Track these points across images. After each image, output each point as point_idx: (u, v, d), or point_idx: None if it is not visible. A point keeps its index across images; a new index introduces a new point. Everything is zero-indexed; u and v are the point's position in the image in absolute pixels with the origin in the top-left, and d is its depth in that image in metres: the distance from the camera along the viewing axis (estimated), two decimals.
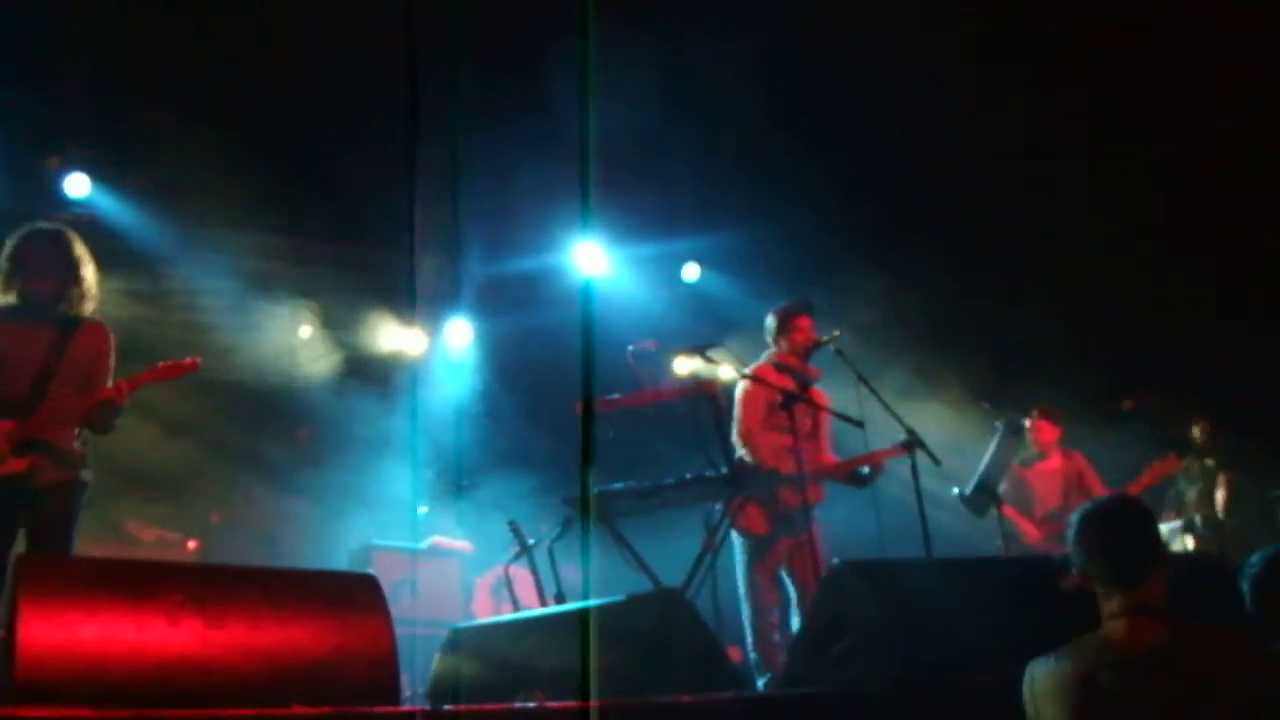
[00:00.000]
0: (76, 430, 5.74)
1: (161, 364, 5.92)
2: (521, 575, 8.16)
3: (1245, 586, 4.09)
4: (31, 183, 9.27)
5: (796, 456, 6.97)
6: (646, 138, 9.98)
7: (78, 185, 9.33)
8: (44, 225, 6.04)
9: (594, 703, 4.19)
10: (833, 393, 7.59)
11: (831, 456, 7.53)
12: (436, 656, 5.36)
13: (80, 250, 5.91)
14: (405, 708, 4.72)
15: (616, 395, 6.83)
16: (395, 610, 4.53)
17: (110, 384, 5.80)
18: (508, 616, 7.78)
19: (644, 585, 6.16)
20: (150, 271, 9.51)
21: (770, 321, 7.65)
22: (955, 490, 8.33)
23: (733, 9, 9.76)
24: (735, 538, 7.14)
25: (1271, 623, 3.94)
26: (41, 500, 5.58)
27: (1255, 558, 4.12)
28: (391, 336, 10.78)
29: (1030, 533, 8.80)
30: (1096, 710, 3.22)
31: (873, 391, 7.12)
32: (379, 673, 4.23)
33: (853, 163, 10.19)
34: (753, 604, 7.13)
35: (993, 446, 8.25)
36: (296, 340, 10.36)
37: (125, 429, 6.03)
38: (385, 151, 9.84)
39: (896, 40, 9.41)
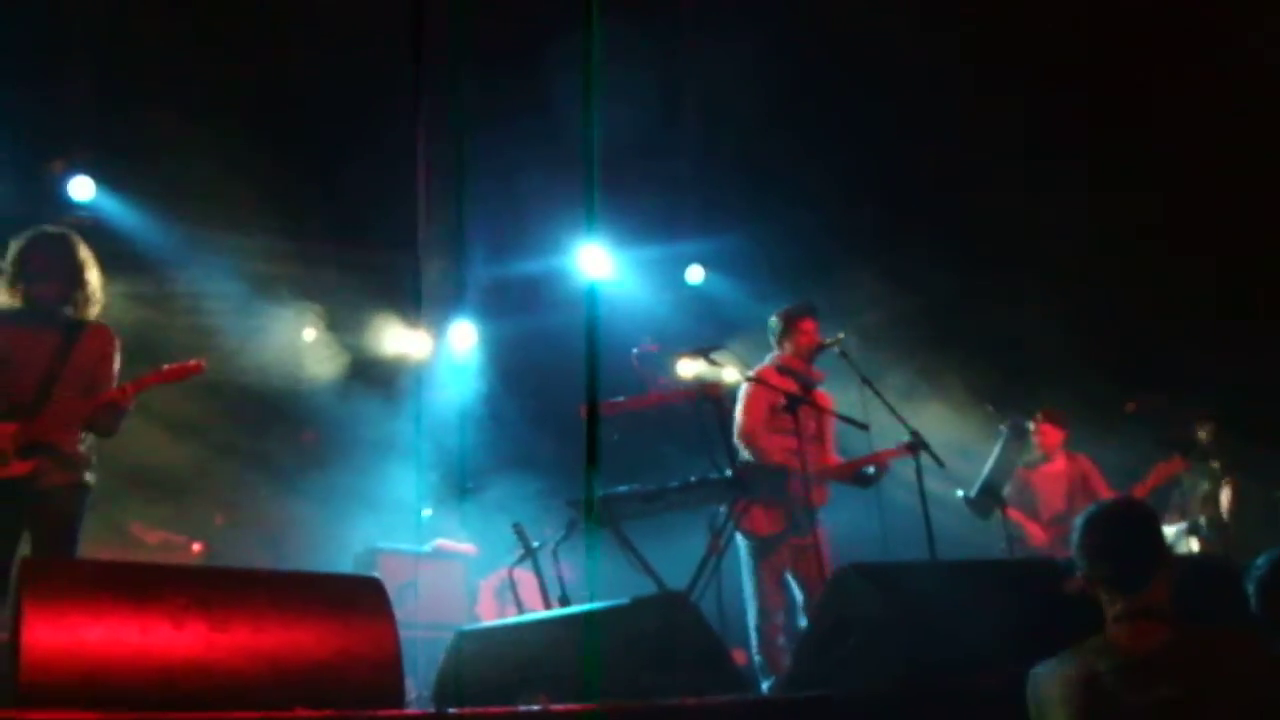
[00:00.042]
0: (81, 433, 5.74)
1: (166, 366, 5.92)
2: (525, 578, 8.16)
3: (1250, 588, 4.09)
4: (36, 186, 9.29)
5: (801, 459, 6.97)
6: (650, 140, 10.00)
7: (82, 188, 9.34)
8: (49, 229, 6.05)
9: (598, 705, 4.19)
10: (836, 395, 7.59)
11: (836, 458, 7.53)
12: (440, 659, 5.36)
13: (85, 254, 5.91)
14: (409, 711, 4.72)
15: (621, 398, 6.84)
16: (399, 613, 4.53)
17: (115, 387, 5.81)
18: (512, 619, 7.78)
19: (648, 588, 6.16)
20: (155, 274, 9.52)
21: (774, 323, 7.65)
22: (960, 493, 8.33)
23: (734, 11, 9.78)
24: (740, 539, 7.13)
25: (1277, 625, 3.94)
26: (46, 503, 5.59)
27: (1261, 560, 4.11)
28: (396, 339, 10.79)
29: (1036, 535, 8.80)
30: (1100, 713, 3.22)
31: (877, 394, 7.12)
32: (383, 676, 4.22)
33: (854, 163, 10.20)
34: (757, 606, 7.13)
35: (997, 449, 8.25)
36: (301, 343, 10.36)
37: (130, 432, 6.03)
38: (390, 155, 9.89)
39: (896, 40, 9.43)
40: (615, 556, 6.43)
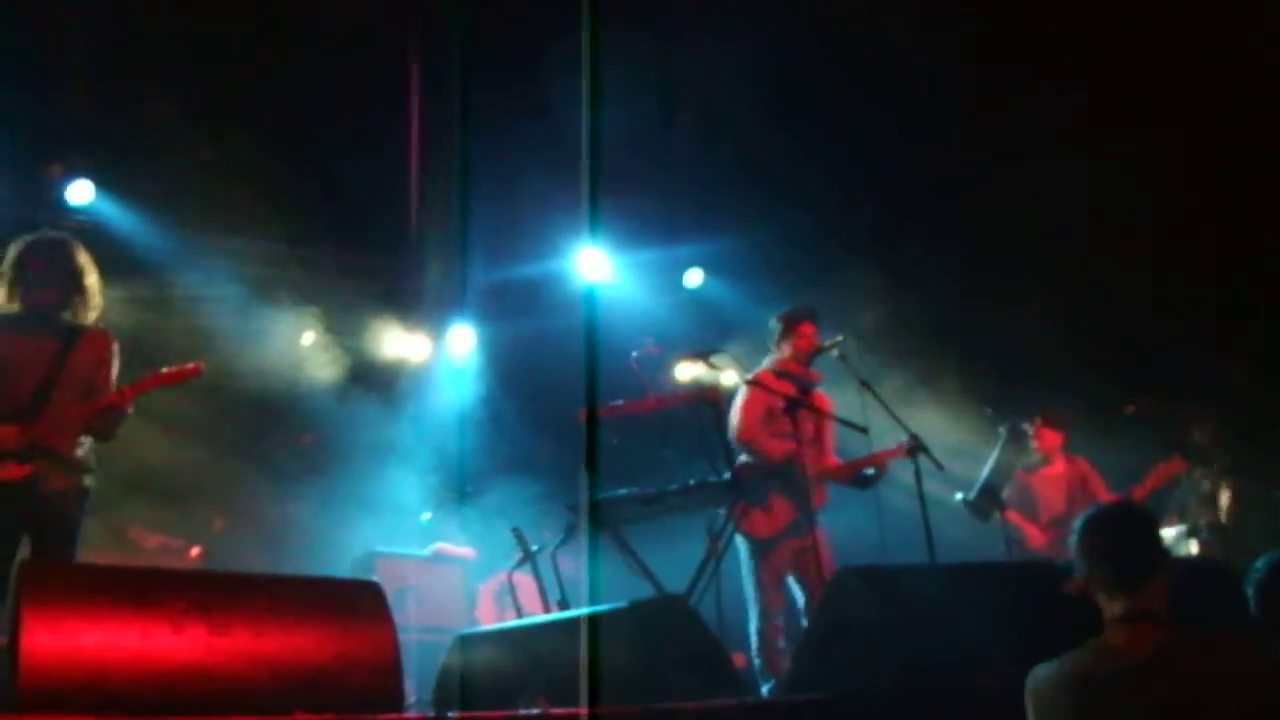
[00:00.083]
0: (80, 438, 5.74)
1: (165, 370, 5.92)
2: (525, 582, 8.17)
3: (1250, 591, 4.09)
4: (34, 190, 9.28)
5: (800, 461, 6.98)
6: (648, 143, 9.99)
7: (80, 192, 9.33)
8: (47, 234, 6.05)
9: (598, 709, 4.19)
10: (835, 397, 7.59)
11: (835, 460, 7.53)
12: (440, 663, 5.36)
13: (83, 260, 5.91)
14: (408, 715, 4.72)
15: (620, 401, 6.84)
16: (399, 617, 4.54)
17: (113, 391, 5.81)
18: (511, 623, 7.78)
19: (647, 591, 6.16)
20: (153, 278, 9.50)
21: (774, 325, 7.65)
22: (959, 495, 8.33)
23: (731, 13, 9.78)
24: (739, 541, 7.14)
25: (1275, 628, 3.94)
26: (44, 507, 5.59)
27: (1260, 562, 4.11)
28: (395, 342, 10.78)
29: (1035, 537, 8.80)
30: (1098, 717, 3.22)
31: (876, 397, 7.12)
32: (383, 680, 4.23)
33: (853, 165, 10.20)
34: (758, 609, 7.13)
35: (995, 452, 8.27)
36: (300, 346, 10.35)
37: (129, 435, 6.03)
38: (388, 158, 9.89)
39: (895, 41, 9.42)
40: (614, 560, 6.43)
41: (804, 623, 7.07)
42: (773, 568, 7.13)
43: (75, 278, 5.85)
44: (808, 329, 7.53)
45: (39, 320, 5.77)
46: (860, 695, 4.77)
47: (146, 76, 9.28)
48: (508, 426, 10.49)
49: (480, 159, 9.64)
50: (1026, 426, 8.80)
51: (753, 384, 7.30)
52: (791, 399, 7.10)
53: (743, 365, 7.45)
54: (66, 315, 5.82)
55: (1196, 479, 9.16)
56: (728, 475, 6.65)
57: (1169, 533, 8.93)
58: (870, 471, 7.33)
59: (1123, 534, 3.39)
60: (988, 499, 8.30)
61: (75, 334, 5.80)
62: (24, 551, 5.56)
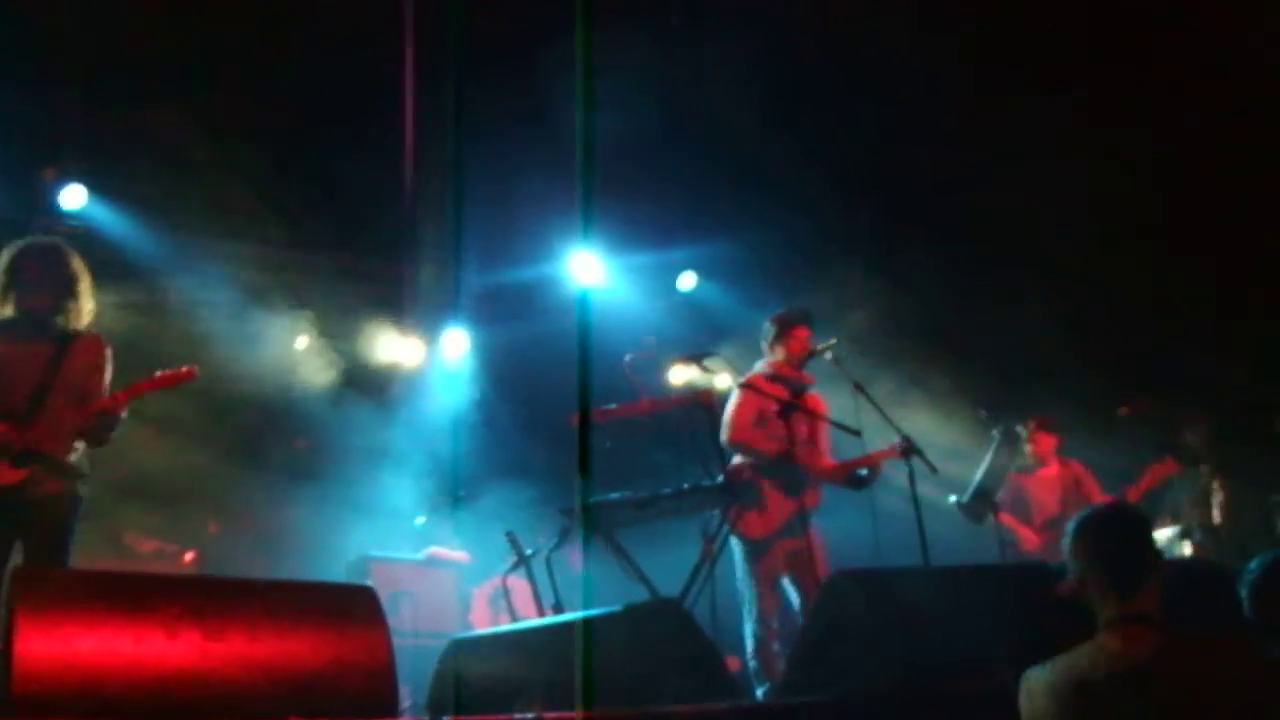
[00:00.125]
0: (74, 443, 5.74)
1: (159, 373, 5.93)
2: (519, 586, 8.17)
3: (1244, 593, 4.10)
4: (27, 195, 9.27)
5: (794, 458, 6.99)
6: (642, 146, 9.98)
7: (74, 197, 9.32)
8: (40, 240, 6.05)
9: (592, 713, 4.18)
10: (829, 400, 7.60)
11: (830, 461, 7.53)
12: (434, 668, 5.35)
13: (76, 265, 5.92)
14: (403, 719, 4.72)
15: (613, 405, 6.84)
16: (393, 621, 4.53)
17: (107, 396, 5.81)
18: (506, 627, 7.77)
19: (642, 595, 6.16)
20: (147, 283, 9.50)
21: (768, 328, 7.65)
22: (953, 498, 8.34)
23: (726, 16, 9.78)
24: (733, 542, 7.14)
25: (1270, 629, 3.95)
26: (37, 512, 5.58)
27: (1254, 564, 4.12)
28: (389, 346, 10.77)
29: (1029, 539, 8.81)
30: (1093, 719, 3.22)
31: (869, 400, 7.12)
32: (377, 684, 4.22)
33: (846, 167, 10.20)
34: (752, 611, 7.13)
35: (989, 455, 8.28)
36: (294, 350, 10.35)
37: (123, 440, 6.02)
38: (382, 162, 9.89)
39: (891, 42, 9.42)
40: (609, 564, 6.42)
41: (800, 621, 7.08)
42: (767, 569, 7.13)
43: (69, 283, 5.85)
44: (802, 332, 7.53)
45: (33, 326, 5.77)
46: (855, 698, 4.77)
47: (140, 81, 9.26)
48: (501, 430, 10.49)
49: (474, 162, 9.63)
50: (1020, 429, 8.81)
51: (745, 387, 7.31)
52: (785, 402, 7.11)
53: (736, 368, 7.46)
54: (60, 320, 5.82)
55: (1188, 480, 9.18)
56: (721, 479, 6.65)
57: (1163, 534, 8.95)
58: (864, 472, 7.34)
59: (1116, 536, 3.39)
60: (981, 501, 8.31)
61: (69, 339, 5.80)
62: (17, 557, 5.55)
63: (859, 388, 7.15)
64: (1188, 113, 9.16)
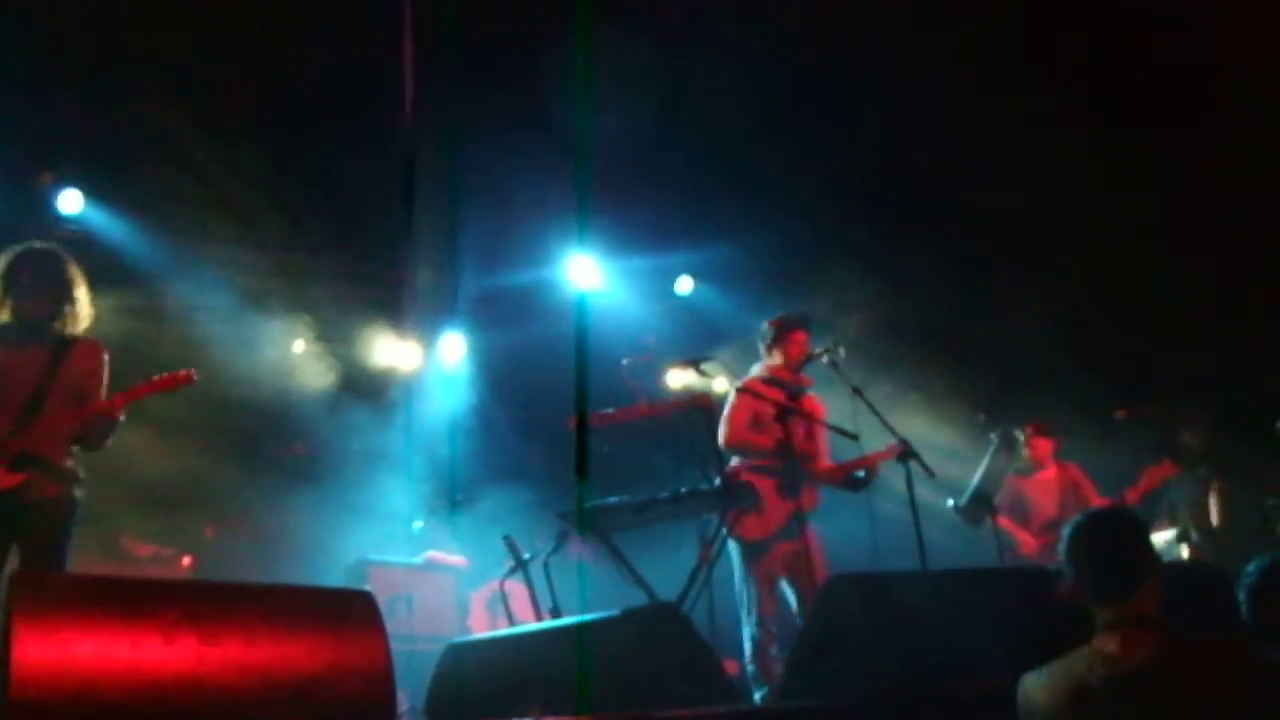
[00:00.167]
0: (71, 447, 5.74)
1: (156, 377, 5.94)
2: (517, 590, 8.16)
3: (1241, 595, 4.10)
4: (24, 199, 9.27)
5: (792, 455, 7.00)
6: (640, 151, 9.99)
7: (71, 202, 9.33)
8: (37, 245, 6.04)
9: (590, 717, 4.18)
10: (827, 403, 7.60)
11: (828, 463, 7.53)
12: (432, 672, 5.35)
13: (73, 271, 5.92)
14: None
15: (611, 409, 6.83)
16: (391, 625, 4.52)
17: (104, 399, 5.81)
18: (503, 631, 7.77)
19: (639, 599, 6.15)
20: (144, 287, 9.51)
21: (766, 330, 7.64)
22: (950, 502, 8.34)
23: (722, 20, 9.78)
24: (731, 545, 7.13)
25: (1267, 632, 3.95)
26: (34, 516, 5.58)
27: (1251, 567, 4.13)
28: (386, 350, 10.78)
29: (1027, 543, 8.82)
30: None
31: (867, 404, 7.12)
32: (375, 689, 4.21)
33: (843, 170, 10.20)
34: (751, 614, 7.12)
35: (987, 458, 8.27)
36: (291, 354, 10.35)
37: (120, 445, 6.03)
38: (380, 166, 9.89)
39: (888, 44, 9.42)
40: (607, 568, 6.42)
41: (799, 623, 7.07)
42: (765, 571, 7.12)
43: (66, 288, 5.86)
44: (799, 336, 7.53)
45: (30, 331, 5.77)
46: (853, 703, 4.77)
47: (138, 85, 9.26)
48: (499, 434, 10.50)
49: (472, 166, 9.64)
50: (1018, 433, 8.81)
51: (742, 391, 7.31)
52: (782, 406, 7.11)
53: (733, 372, 7.45)
54: (58, 325, 5.83)
55: (1184, 483, 9.18)
56: (718, 482, 6.65)
57: (1160, 537, 8.95)
58: (861, 474, 7.33)
59: (1112, 540, 3.39)
60: (979, 505, 8.31)
61: (66, 344, 5.81)
62: (13, 562, 5.55)
63: (857, 391, 7.14)
64: (1188, 113, 9.16)
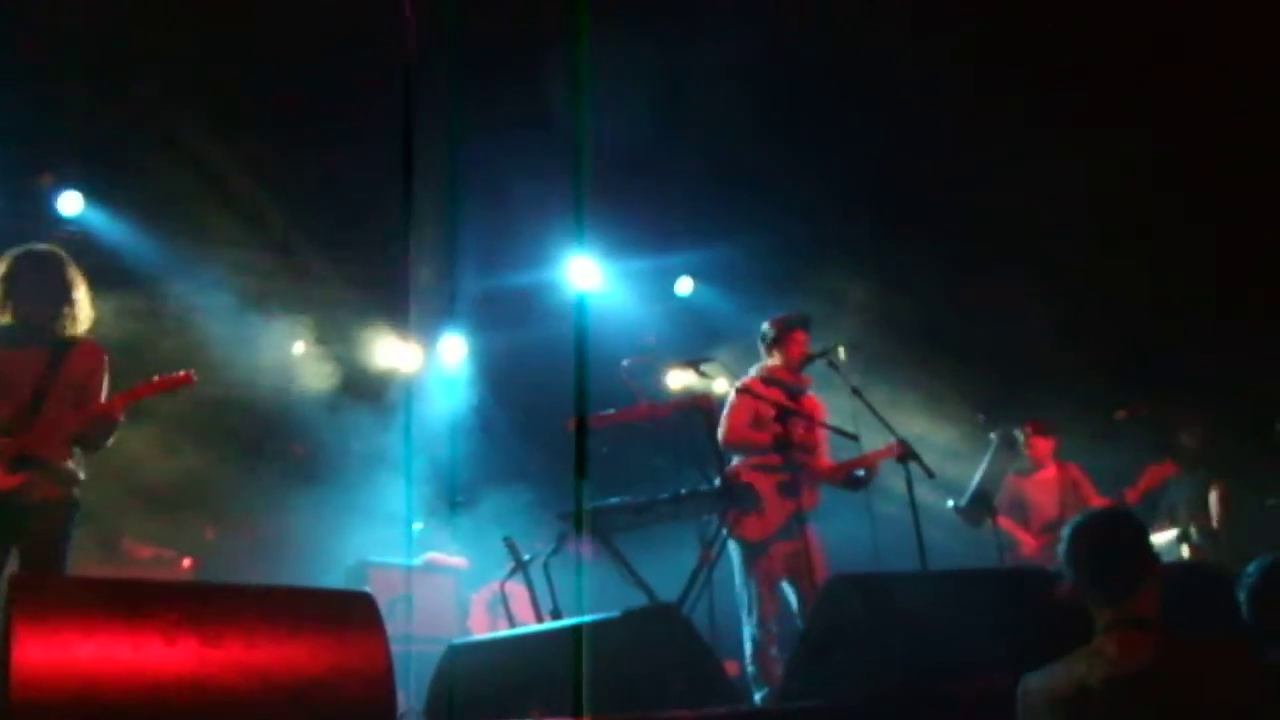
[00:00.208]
0: (71, 449, 5.75)
1: (156, 378, 5.94)
2: (517, 591, 8.16)
3: (1242, 596, 4.10)
4: (24, 201, 9.27)
5: (791, 454, 7.00)
6: (640, 151, 9.99)
7: (70, 203, 9.33)
8: (37, 248, 6.04)
9: (590, 718, 4.18)
10: (828, 403, 7.60)
11: (828, 462, 7.53)
12: (432, 673, 5.35)
13: (73, 273, 5.93)
14: None
15: (611, 410, 6.83)
16: (391, 627, 4.53)
17: (104, 401, 5.81)
18: (504, 633, 7.77)
19: (640, 600, 6.16)
20: (144, 289, 9.51)
21: (767, 330, 7.64)
22: (950, 502, 8.34)
23: (723, 21, 9.77)
24: (732, 547, 7.14)
25: (1268, 632, 3.95)
26: (34, 518, 5.58)
27: (1252, 567, 4.13)
28: (386, 351, 10.77)
29: (1027, 542, 8.82)
30: None
31: (867, 404, 7.12)
32: (375, 690, 4.21)
33: (845, 170, 10.20)
34: (752, 614, 7.12)
35: (987, 458, 8.27)
36: (291, 356, 10.35)
37: (121, 447, 6.04)
38: (380, 167, 9.89)
39: (888, 44, 9.42)
40: (607, 569, 6.42)
41: (799, 624, 7.07)
42: (765, 572, 7.12)
43: (65, 290, 5.86)
44: (800, 336, 7.53)
45: (30, 332, 5.77)
46: (853, 703, 4.77)
47: (137, 87, 9.26)
48: (499, 435, 10.50)
49: (472, 167, 9.63)
50: (1018, 433, 8.81)
51: (741, 391, 7.31)
52: (782, 407, 7.11)
53: (733, 373, 7.46)
54: (58, 327, 5.83)
55: (1184, 483, 9.19)
56: (718, 483, 6.65)
57: (1161, 538, 8.95)
58: (861, 473, 7.34)
59: (1111, 541, 3.39)
60: (979, 505, 8.30)
61: (66, 345, 5.81)
62: (13, 564, 5.55)
63: (857, 392, 7.14)
64: (1188, 113, 9.16)
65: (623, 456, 7.11)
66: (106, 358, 5.94)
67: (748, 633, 7.12)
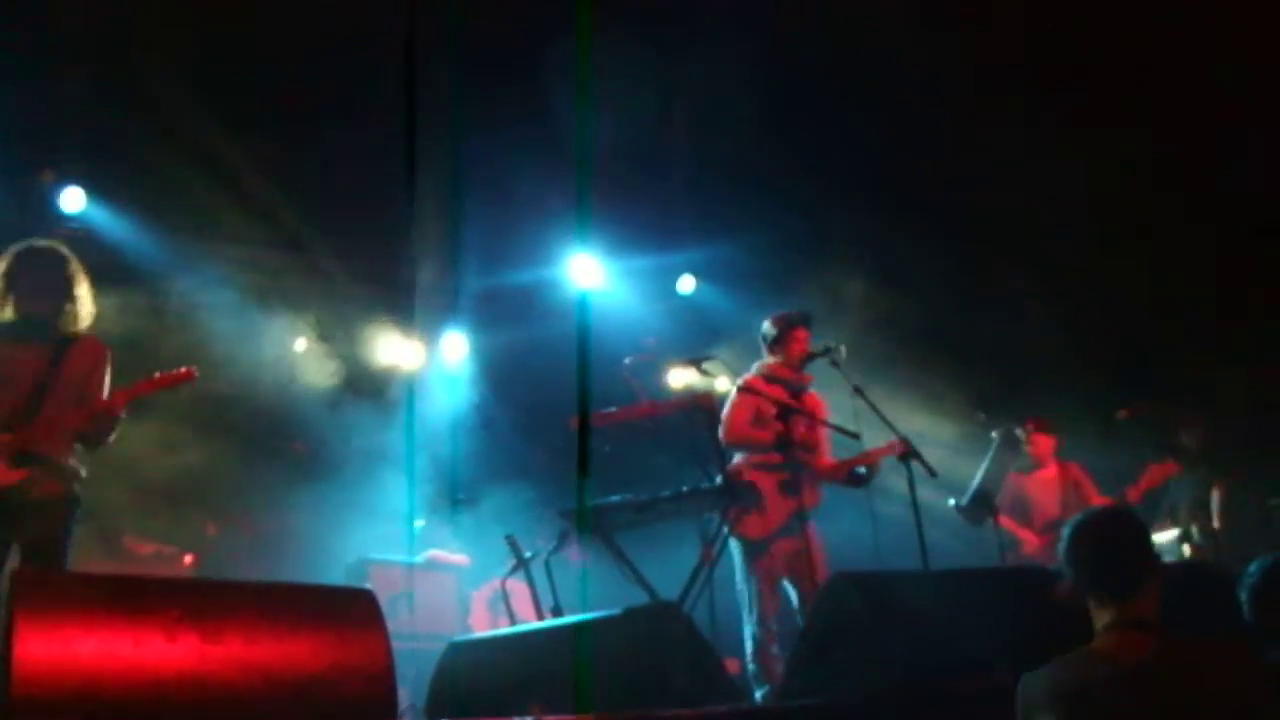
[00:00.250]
0: (73, 445, 5.75)
1: (158, 374, 5.94)
2: (518, 589, 8.16)
3: (1243, 596, 4.10)
4: (26, 197, 9.27)
5: (792, 452, 7.00)
6: (642, 149, 10.00)
7: (72, 200, 9.33)
8: (38, 244, 6.04)
9: (591, 716, 4.19)
10: (829, 401, 7.60)
11: (829, 460, 7.53)
12: (433, 671, 5.35)
13: (75, 269, 5.92)
14: None
15: (612, 408, 6.83)
16: (392, 624, 4.53)
17: (106, 397, 5.81)
18: (505, 630, 7.77)
19: (641, 598, 6.16)
20: (146, 285, 9.51)
21: (768, 329, 7.64)
22: (952, 501, 8.34)
23: (725, 20, 9.78)
24: (733, 545, 7.13)
25: (1269, 632, 3.95)
26: (35, 514, 5.58)
27: (1253, 567, 4.13)
28: (388, 349, 10.77)
29: (1030, 541, 8.82)
30: None
31: (868, 403, 7.11)
32: (376, 688, 4.22)
33: (846, 169, 10.20)
34: (752, 613, 7.12)
35: (988, 457, 8.26)
36: (293, 352, 10.35)
37: (122, 443, 6.03)
38: (383, 165, 9.90)
39: (890, 44, 9.42)
40: (608, 567, 6.42)
41: (800, 622, 7.07)
42: (766, 570, 7.13)
43: (67, 286, 5.86)
44: (801, 334, 7.53)
45: (31, 329, 5.77)
46: (854, 702, 4.77)
47: (139, 83, 9.27)
48: (501, 433, 10.50)
49: (474, 165, 9.64)
50: (1020, 432, 8.81)
51: (742, 390, 7.31)
52: (783, 405, 7.10)
53: (735, 371, 7.46)
54: (59, 323, 5.83)
55: (1185, 483, 9.19)
56: (720, 481, 6.65)
57: (1162, 537, 8.95)
58: (863, 470, 7.33)
59: (1112, 541, 3.38)
60: (980, 504, 8.30)
61: (68, 342, 5.81)
62: (14, 560, 5.55)
63: (858, 390, 7.14)
64: (1188, 113, 9.16)
65: (624, 454, 7.12)
66: (108, 354, 5.94)
67: (748, 631, 7.12)
